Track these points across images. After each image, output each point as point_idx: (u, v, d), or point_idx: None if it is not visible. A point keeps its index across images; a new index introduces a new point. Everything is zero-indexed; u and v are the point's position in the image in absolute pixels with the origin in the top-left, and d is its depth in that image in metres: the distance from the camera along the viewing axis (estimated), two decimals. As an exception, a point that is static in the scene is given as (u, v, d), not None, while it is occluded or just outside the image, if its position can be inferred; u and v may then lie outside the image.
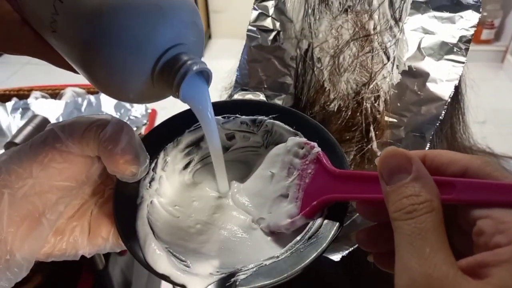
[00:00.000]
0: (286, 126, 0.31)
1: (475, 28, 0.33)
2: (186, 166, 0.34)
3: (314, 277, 0.41)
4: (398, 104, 0.35)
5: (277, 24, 0.37)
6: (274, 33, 0.37)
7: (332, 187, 0.26)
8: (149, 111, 0.87)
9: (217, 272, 0.26)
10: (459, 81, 0.39)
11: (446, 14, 0.34)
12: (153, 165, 0.31)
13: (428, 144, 0.34)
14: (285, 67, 0.37)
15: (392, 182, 0.21)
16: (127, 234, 0.27)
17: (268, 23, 0.37)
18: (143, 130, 0.86)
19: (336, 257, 0.34)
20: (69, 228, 0.28)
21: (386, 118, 0.35)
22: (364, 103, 0.35)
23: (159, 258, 0.26)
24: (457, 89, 0.39)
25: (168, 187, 0.32)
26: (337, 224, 0.26)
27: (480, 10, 0.33)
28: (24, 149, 0.26)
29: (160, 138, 0.31)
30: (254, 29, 0.37)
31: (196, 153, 0.34)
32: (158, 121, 0.92)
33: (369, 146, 0.36)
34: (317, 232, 0.27)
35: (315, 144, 0.29)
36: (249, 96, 0.37)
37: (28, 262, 0.25)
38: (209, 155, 0.34)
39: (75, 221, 0.28)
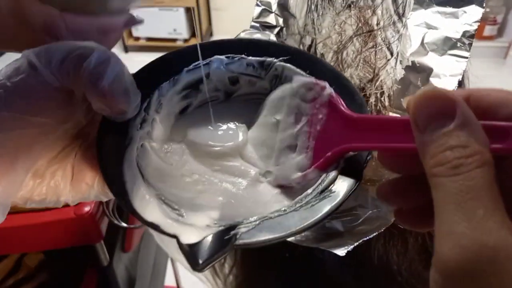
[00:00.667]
0: (299, 70, 0.28)
1: (479, 23, 0.33)
2: (183, 111, 0.30)
3: (318, 270, 0.42)
4: (402, 100, 0.35)
5: (280, 20, 0.37)
6: (277, 29, 0.37)
7: (350, 135, 0.23)
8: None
9: (215, 224, 0.23)
10: (462, 76, 0.39)
11: (449, 9, 0.34)
12: (145, 104, 0.27)
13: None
14: None
15: (430, 130, 0.17)
16: (112, 178, 0.23)
17: (271, 19, 0.37)
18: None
19: (341, 252, 0.34)
20: (50, 172, 0.25)
21: (390, 114, 0.35)
22: (368, 99, 0.35)
23: (149, 205, 0.23)
24: (460, 85, 0.39)
25: (162, 131, 0.28)
26: (354, 179, 0.23)
27: (484, 5, 0.33)
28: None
29: (154, 75, 0.27)
30: (257, 25, 0.37)
31: (195, 97, 0.30)
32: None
33: None
34: (330, 186, 0.23)
35: (326, 84, 0.25)
36: (257, 35, 0.32)
37: (3, 206, 0.23)
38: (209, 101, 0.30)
39: (56, 163, 0.25)
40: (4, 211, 0.23)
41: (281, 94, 0.28)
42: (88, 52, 0.22)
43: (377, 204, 0.35)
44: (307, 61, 0.28)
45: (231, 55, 0.28)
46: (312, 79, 0.26)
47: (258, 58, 0.28)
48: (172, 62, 0.28)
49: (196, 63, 0.28)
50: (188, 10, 2.77)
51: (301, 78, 0.26)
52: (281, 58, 0.28)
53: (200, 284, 0.61)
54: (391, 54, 0.34)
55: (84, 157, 0.26)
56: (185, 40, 2.87)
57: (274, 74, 0.29)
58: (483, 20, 2.62)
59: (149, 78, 0.27)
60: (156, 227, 0.22)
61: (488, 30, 2.63)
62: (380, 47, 0.34)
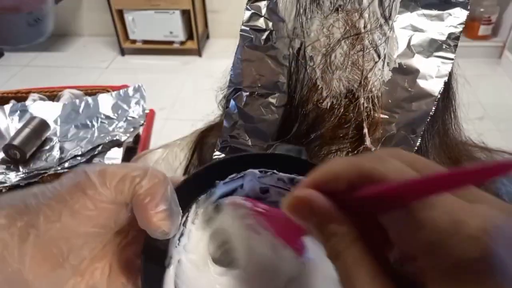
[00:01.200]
0: None
1: (464, 25, 0.34)
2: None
3: None
4: (390, 101, 0.35)
5: (270, 23, 0.37)
6: (267, 33, 0.37)
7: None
8: (147, 111, 0.87)
9: None
10: (450, 77, 0.40)
11: (434, 12, 0.34)
12: (184, 219, 0.29)
13: (419, 140, 0.35)
14: (278, 66, 0.38)
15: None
16: None
17: (261, 23, 0.38)
18: (140, 130, 0.86)
19: None
20: (90, 270, 0.27)
21: (379, 115, 0.36)
22: (357, 101, 0.35)
23: None
24: (448, 86, 0.40)
25: (198, 240, 0.30)
26: None
27: (468, 8, 0.34)
28: (56, 189, 0.25)
29: (192, 189, 0.29)
30: (247, 29, 0.38)
31: None
32: (156, 121, 0.93)
33: (364, 143, 0.36)
34: None
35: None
36: (289, 146, 0.35)
37: None
38: None
39: (96, 262, 0.27)
40: None
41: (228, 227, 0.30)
42: (142, 175, 0.25)
43: None
44: None
45: (264, 169, 0.29)
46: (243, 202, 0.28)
47: (288, 175, 0.30)
48: (209, 175, 0.29)
49: (232, 175, 0.29)
50: (184, 13, 2.78)
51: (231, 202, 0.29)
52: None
53: None
54: (379, 56, 0.35)
55: (122, 256, 0.28)
56: (182, 43, 2.87)
57: None
58: (478, 20, 2.64)
59: (187, 193, 0.28)
60: None
61: (483, 30, 2.64)
62: (367, 50, 0.35)
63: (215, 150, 0.41)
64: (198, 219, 0.30)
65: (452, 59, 0.34)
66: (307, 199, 0.20)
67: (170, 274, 0.27)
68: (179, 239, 0.28)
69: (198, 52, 2.90)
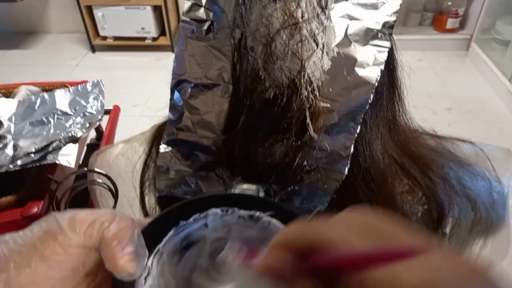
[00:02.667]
0: (282, 226, 0.32)
1: (397, 14, 0.34)
2: (183, 255, 0.33)
3: None
4: (330, 90, 0.36)
5: (210, 14, 0.37)
6: (208, 23, 0.37)
7: None
8: (110, 107, 0.86)
9: None
10: (395, 66, 0.41)
11: (369, 1, 0.35)
12: (150, 259, 0.30)
13: (359, 127, 0.35)
14: (221, 57, 0.38)
15: None
16: None
17: (201, 13, 0.37)
18: (103, 126, 0.85)
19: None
20: None
21: (320, 104, 0.36)
22: (298, 90, 0.36)
23: None
24: (392, 75, 0.41)
25: (164, 279, 0.32)
26: None
27: (402, -4, 0.34)
28: (26, 235, 0.26)
29: (158, 230, 0.31)
30: (188, 19, 0.37)
31: (193, 244, 0.33)
32: (130, 118, 0.91)
33: (308, 133, 0.37)
34: None
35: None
36: (247, 186, 0.38)
37: None
38: None
39: None
40: None
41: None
42: (109, 220, 0.27)
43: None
44: (288, 217, 0.31)
45: (226, 208, 0.32)
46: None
47: (248, 212, 0.32)
48: (173, 216, 0.31)
49: (195, 216, 0.31)
50: (156, 9, 2.73)
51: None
52: (268, 213, 0.32)
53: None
54: (317, 45, 0.35)
55: None
56: (154, 39, 2.83)
57: (262, 226, 0.32)
58: (445, 14, 2.70)
59: (153, 234, 0.30)
60: None
61: (451, 23, 2.71)
62: (306, 40, 0.35)
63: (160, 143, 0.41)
64: (164, 258, 0.31)
65: (387, 47, 0.34)
66: (269, 267, 0.23)
67: None
68: (145, 279, 0.29)
69: (171, 48, 2.86)
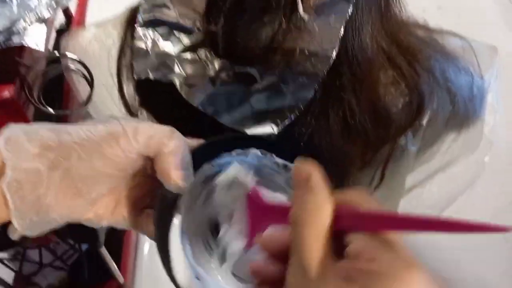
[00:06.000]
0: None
1: None
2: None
3: None
4: None
5: None
6: None
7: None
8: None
9: None
10: None
11: None
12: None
13: (351, 7, 0.33)
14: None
15: None
16: (162, 245, 0.31)
17: None
18: (72, 10, 0.78)
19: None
20: (100, 202, 0.31)
21: None
22: None
23: (180, 272, 0.30)
24: None
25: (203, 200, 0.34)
26: None
27: None
28: (90, 132, 0.28)
29: (202, 156, 0.32)
30: None
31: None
32: (92, 2, 0.83)
33: (297, 12, 0.34)
34: None
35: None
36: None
37: (58, 223, 0.30)
38: None
39: (107, 197, 0.31)
40: (57, 225, 0.29)
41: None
42: (168, 137, 0.30)
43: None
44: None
45: (265, 151, 0.34)
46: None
47: (283, 161, 0.34)
48: (218, 147, 0.33)
49: (238, 151, 0.33)
50: None
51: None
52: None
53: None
54: None
55: (128, 195, 0.32)
56: None
57: (289, 177, 0.33)
58: None
59: (199, 158, 0.32)
60: None
61: None
62: None
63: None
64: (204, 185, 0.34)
65: None
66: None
67: (176, 226, 0.32)
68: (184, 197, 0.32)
69: None
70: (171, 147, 0.30)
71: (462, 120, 0.43)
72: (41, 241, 0.85)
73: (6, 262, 0.91)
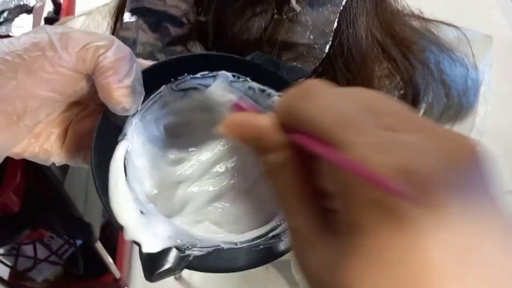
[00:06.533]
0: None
1: None
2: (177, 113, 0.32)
3: None
4: None
5: None
6: None
7: None
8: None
9: (176, 236, 0.26)
10: None
11: None
12: (146, 103, 0.28)
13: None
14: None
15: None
16: (99, 172, 0.26)
17: None
18: None
19: None
20: (45, 134, 0.27)
21: None
22: None
23: (123, 207, 0.25)
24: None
25: (155, 131, 0.31)
26: None
27: None
28: (12, 44, 0.24)
29: (159, 75, 0.28)
30: None
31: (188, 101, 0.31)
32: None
33: (289, 4, 0.34)
34: (280, 234, 0.27)
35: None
36: (268, 57, 0.32)
37: (1, 157, 0.26)
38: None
39: (52, 128, 0.28)
40: None
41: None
42: (107, 46, 0.24)
43: None
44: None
45: (237, 74, 0.28)
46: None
47: (260, 86, 0.29)
48: (179, 66, 0.28)
49: (204, 72, 0.28)
50: None
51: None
52: (280, 93, 0.29)
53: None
54: None
55: (78, 126, 0.28)
56: None
57: (269, 105, 0.30)
58: None
59: (154, 77, 0.28)
60: (124, 231, 0.25)
61: None
62: None
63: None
64: (158, 109, 0.30)
65: None
66: (250, 117, 0.20)
67: (121, 150, 0.27)
68: (136, 123, 0.28)
69: None
70: (111, 57, 0.24)
71: (456, 112, 0.43)
72: (35, 237, 0.85)
73: (1, 258, 0.91)
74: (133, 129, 0.28)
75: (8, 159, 0.27)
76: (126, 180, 0.26)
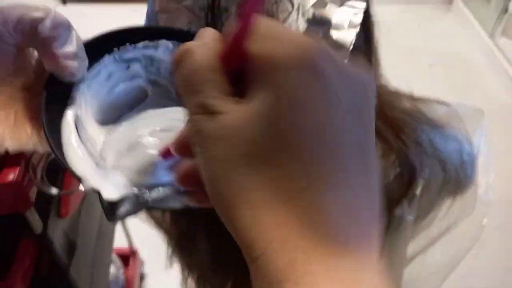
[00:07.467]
0: None
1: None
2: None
3: None
4: None
5: None
6: None
7: None
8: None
9: (132, 183, 0.27)
10: (372, 28, 0.40)
11: None
12: (91, 71, 0.29)
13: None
14: (194, 17, 0.36)
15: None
16: (51, 131, 0.26)
17: None
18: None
19: None
20: None
21: None
22: None
23: (79, 159, 0.26)
24: (368, 37, 0.40)
25: (101, 95, 0.31)
26: None
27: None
28: None
29: (101, 46, 0.29)
30: None
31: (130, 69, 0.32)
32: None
33: None
34: None
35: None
36: None
37: None
38: None
39: (0, 110, 0.27)
40: None
41: None
42: (43, 15, 0.24)
43: None
44: None
45: (178, 43, 0.30)
46: None
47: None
48: (120, 37, 0.30)
49: (145, 42, 0.30)
50: (128, -43, 2.56)
51: None
52: None
53: (152, 239, 0.62)
54: (292, 6, 0.34)
55: (27, 108, 0.28)
56: (129, -10, 2.68)
57: None
58: (430, -35, 2.62)
59: (95, 48, 0.29)
60: (83, 180, 0.25)
61: (435, -25, 2.64)
62: (281, 0, 0.34)
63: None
64: (102, 77, 0.31)
65: (362, 8, 0.33)
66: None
67: (71, 111, 0.28)
68: (83, 89, 0.29)
69: None
70: (48, 24, 0.24)
71: (455, 185, 0.44)
72: None
73: None
74: (81, 96, 0.29)
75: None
76: (79, 136, 0.28)
